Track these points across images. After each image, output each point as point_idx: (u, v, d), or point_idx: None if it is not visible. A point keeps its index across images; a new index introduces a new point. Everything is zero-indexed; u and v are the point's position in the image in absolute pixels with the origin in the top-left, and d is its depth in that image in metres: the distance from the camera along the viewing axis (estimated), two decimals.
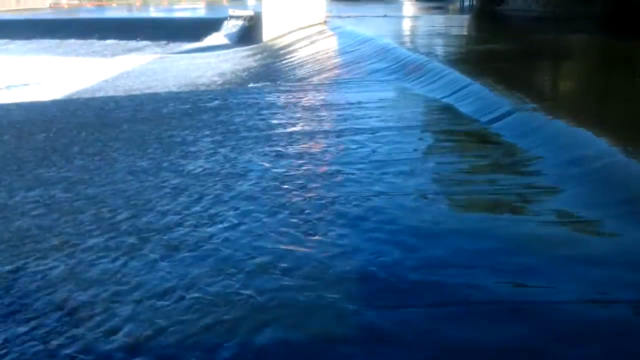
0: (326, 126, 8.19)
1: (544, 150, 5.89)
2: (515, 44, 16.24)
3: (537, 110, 7.01)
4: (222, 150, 6.94)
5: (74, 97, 16.10)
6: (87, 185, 5.96)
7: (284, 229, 4.48)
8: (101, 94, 15.96)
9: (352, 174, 5.76)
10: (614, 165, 5.10)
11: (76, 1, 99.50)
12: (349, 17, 33.82)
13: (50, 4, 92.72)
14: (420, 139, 7.13)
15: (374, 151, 6.53)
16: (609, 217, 4.39)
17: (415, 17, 37.24)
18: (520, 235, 4.31)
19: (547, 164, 5.58)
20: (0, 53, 30.22)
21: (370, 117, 8.31)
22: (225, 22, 32.77)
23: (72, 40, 32.62)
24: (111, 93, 15.72)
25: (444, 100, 9.05)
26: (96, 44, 31.40)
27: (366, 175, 5.69)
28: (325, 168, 6.04)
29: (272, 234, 4.40)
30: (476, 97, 8.32)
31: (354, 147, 6.76)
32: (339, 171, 5.88)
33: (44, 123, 9.57)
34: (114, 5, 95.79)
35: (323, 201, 5.05)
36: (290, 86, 13.50)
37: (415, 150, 6.63)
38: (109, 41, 31.75)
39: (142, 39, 31.36)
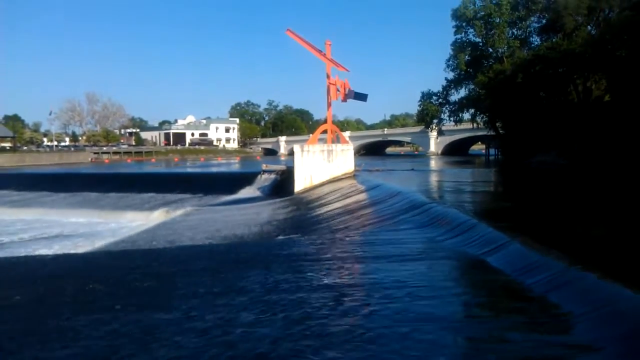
0: (356, 281, 8.21)
1: (578, 305, 5.79)
2: (541, 198, 16.48)
3: (570, 264, 6.97)
4: (254, 306, 6.94)
5: (112, 249, 16.50)
6: None
7: None
8: (138, 246, 16.34)
9: (385, 331, 5.68)
10: None
11: (116, 156, 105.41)
12: (377, 170, 34.97)
13: (91, 159, 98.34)
14: (453, 296, 7.06)
15: (406, 308, 6.44)
16: None
17: (442, 171, 38.28)
18: None
19: (582, 320, 5.48)
20: (43, 206, 31.44)
21: (401, 271, 8.30)
22: (259, 176, 34.06)
23: (112, 194, 33.92)
24: (148, 245, 16.09)
25: (474, 254, 9.08)
26: (135, 197, 32.54)
27: (400, 334, 5.59)
28: (352, 328, 5.96)
29: None
30: (508, 252, 8.33)
31: (385, 303, 6.67)
32: (369, 330, 5.79)
33: (57, 278, 9.71)
34: (153, 160, 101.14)
35: None
36: (320, 238, 13.62)
37: (447, 308, 6.52)
38: (147, 194, 32.93)
39: (179, 192, 32.51)
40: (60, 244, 20.12)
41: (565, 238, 9.55)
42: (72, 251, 17.05)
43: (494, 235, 9.45)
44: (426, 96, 60.18)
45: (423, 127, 74.26)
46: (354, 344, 5.39)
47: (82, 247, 18.33)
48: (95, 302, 7.55)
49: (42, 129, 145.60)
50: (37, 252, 17.64)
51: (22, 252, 18.28)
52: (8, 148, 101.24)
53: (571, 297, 6.08)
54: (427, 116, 60.84)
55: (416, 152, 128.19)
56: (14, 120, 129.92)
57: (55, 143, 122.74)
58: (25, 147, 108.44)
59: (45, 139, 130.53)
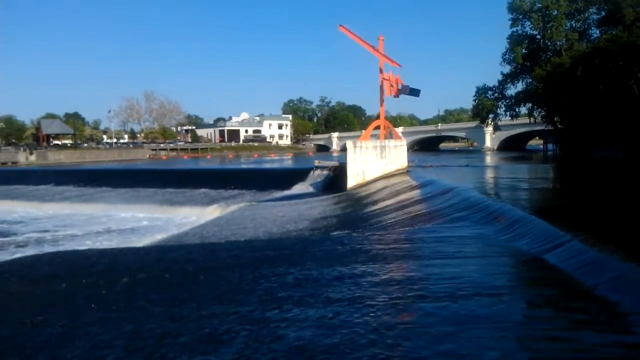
0: (409, 278, 8.10)
1: None
2: (603, 195, 15.92)
3: (633, 263, 6.68)
4: (304, 307, 6.94)
5: (168, 243, 16.88)
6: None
7: None
8: (195, 240, 16.66)
9: (439, 329, 5.57)
10: None
11: (173, 153, 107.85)
12: (430, 166, 34.53)
13: (149, 156, 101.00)
14: (509, 294, 6.85)
15: (461, 307, 6.30)
16: None
17: (498, 167, 37.45)
18: None
19: None
20: (102, 201, 32.42)
21: (455, 269, 8.15)
22: (311, 172, 34.17)
23: (169, 189, 34.69)
24: (204, 240, 16.38)
25: (532, 251, 8.83)
26: (191, 192, 33.16)
27: (454, 333, 5.46)
28: (405, 326, 5.86)
29: None
30: (568, 250, 8.03)
31: (439, 301, 6.55)
32: (423, 328, 5.69)
33: (124, 269, 9.98)
34: (208, 157, 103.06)
35: None
36: (373, 234, 13.56)
37: (504, 306, 6.32)
38: (202, 190, 33.54)
39: (233, 188, 32.97)
40: (119, 237, 20.72)
41: (628, 236, 9.18)
42: (131, 245, 17.51)
43: (553, 232, 9.14)
44: (481, 90, 58.97)
45: (478, 122, 72.90)
46: (407, 342, 5.32)
47: (140, 241, 18.82)
48: (159, 293, 7.75)
49: (102, 127, 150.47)
50: (96, 246, 18.22)
51: (84, 245, 18.95)
52: (69, 145, 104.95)
53: (634, 297, 5.85)
54: (482, 111, 59.58)
55: (471, 148, 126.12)
56: (74, 118, 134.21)
57: (115, 140, 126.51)
58: (85, 144, 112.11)
59: (104, 136, 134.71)
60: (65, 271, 10.08)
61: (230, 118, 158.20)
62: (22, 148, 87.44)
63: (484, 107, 58.81)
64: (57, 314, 7.01)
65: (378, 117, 35.39)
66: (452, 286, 7.09)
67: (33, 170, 58.02)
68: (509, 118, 62.50)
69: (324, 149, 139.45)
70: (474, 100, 60.41)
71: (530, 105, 56.88)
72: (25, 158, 77.65)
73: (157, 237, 19.14)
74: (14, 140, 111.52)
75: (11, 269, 10.92)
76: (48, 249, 18.22)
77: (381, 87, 31.76)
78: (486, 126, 75.78)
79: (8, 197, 37.12)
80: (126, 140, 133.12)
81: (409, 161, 32.66)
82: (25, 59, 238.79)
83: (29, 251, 17.86)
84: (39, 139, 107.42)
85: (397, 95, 31.75)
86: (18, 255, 16.35)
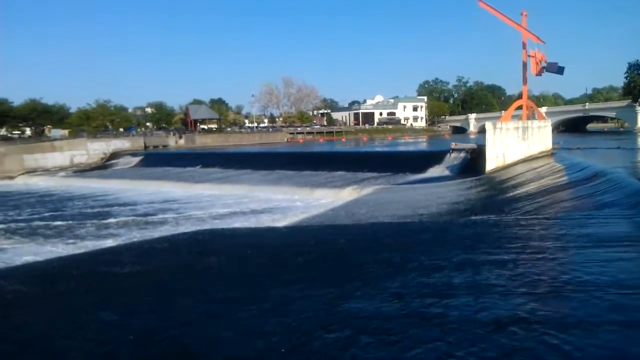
0: (557, 266, 7.67)
1: None
2: None
3: None
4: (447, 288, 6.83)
5: (307, 223, 17.41)
6: None
7: None
8: (338, 221, 17.04)
9: (593, 320, 5.24)
10: None
11: (310, 136, 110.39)
12: (578, 148, 32.51)
13: (287, 139, 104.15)
14: None
15: (615, 299, 5.79)
16: None
17: None
18: None
19: None
20: (244, 182, 33.97)
21: (607, 258, 7.61)
22: (448, 155, 33.49)
23: (306, 172, 35.64)
24: (344, 221, 16.69)
25: None
26: (327, 175, 33.84)
27: (615, 330, 5.09)
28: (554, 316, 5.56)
29: None
30: None
31: (598, 293, 5.98)
32: (578, 319, 5.36)
33: (272, 248, 10.43)
34: (343, 140, 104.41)
35: None
36: (515, 220, 13.04)
37: None
38: (338, 173, 34.11)
39: (367, 171, 33.19)
40: (259, 218, 21.64)
41: None
42: (271, 224, 18.26)
43: None
44: (634, 67, 54.51)
45: (630, 100, 67.39)
46: (566, 337, 4.97)
47: (280, 221, 19.56)
48: (291, 273, 8.04)
49: (244, 112, 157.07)
50: (237, 225, 19.24)
51: (234, 223, 20.09)
52: (214, 129, 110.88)
53: None
54: (635, 89, 54.99)
55: (621, 129, 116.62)
56: (219, 104, 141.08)
57: (255, 124, 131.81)
58: (229, 129, 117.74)
59: (246, 121, 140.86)
60: (223, 247, 10.73)
61: (364, 101, 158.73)
62: (171, 132, 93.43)
63: (637, 85, 54.14)
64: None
65: (519, 96, 33.84)
66: (609, 276, 6.60)
67: (182, 153, 62.22)
68: None
69: (460, 130, 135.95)
70: (625, 78, 56.05)
71: None
72: (174, 142, 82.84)
73: (296, 218, 19.78)
74: (164, 125, 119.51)
75: (168, 244, 11.86)
76: (205, 226, 19.54)
77: (524, 64, 30.28)
78: (639, 105, 69.88)
79: (161, 178, 40.04)
80: (266, 125, 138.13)
81: (553, 143, 30.94)
82: (175, 51, 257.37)
83: (186, 228, 19.30)
84: (186, 124, 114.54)
85: (539, 74, 30.13)
86: (179, 230, 17.77)
